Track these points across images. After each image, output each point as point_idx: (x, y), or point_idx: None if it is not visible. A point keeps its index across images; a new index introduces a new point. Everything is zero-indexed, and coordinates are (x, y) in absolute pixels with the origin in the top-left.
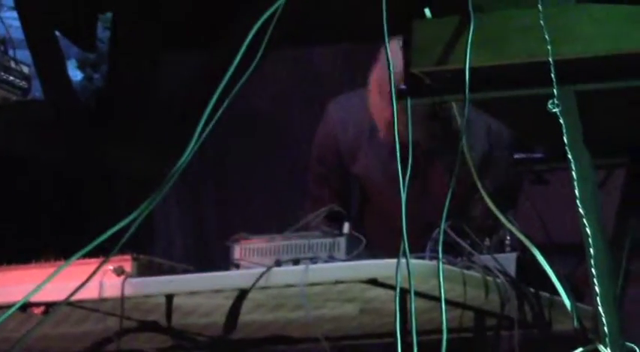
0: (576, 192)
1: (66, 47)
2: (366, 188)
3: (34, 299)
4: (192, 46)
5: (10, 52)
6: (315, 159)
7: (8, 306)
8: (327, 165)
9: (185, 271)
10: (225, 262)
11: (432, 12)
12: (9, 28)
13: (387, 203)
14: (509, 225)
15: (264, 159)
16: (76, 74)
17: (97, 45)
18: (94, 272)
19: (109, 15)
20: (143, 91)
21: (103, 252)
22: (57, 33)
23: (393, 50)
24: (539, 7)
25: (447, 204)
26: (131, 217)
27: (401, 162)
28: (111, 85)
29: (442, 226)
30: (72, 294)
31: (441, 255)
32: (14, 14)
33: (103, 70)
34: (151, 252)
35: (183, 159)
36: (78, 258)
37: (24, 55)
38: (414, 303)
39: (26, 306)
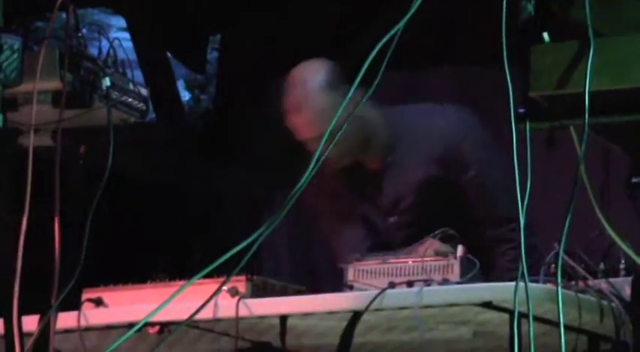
0: None
1: (174, 68)
2: None
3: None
4: None
5: (128, 73)
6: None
7: (124, 326)
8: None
9: (298, 292)
10: (334, 283)
11: (550, 36)
12: (119, 49)
13: None
14: (625, 248)
15: None
16: (183, 95)
17: (206, 66)
18: (215, 293)
19: (217, 36)
20: (250, 114)
21: (215, 272)
22: (167, 54)
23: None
24: None
25: (566, 226)
26: (251, 239)
27: None
28: (219, 107)
29: (561, 250)
30: (193, 315)
31: (560, 279)
32: (124, 35)
33: (210, 91)
34: (258, 272)
35: (301, 182)
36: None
37: (136, 75)
38: (532, 327)
39: (141, 326)
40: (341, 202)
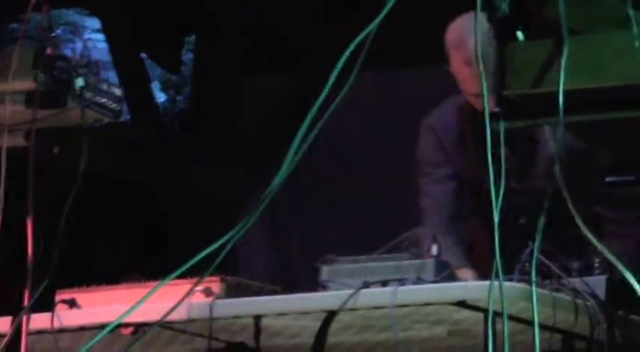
0: None
1: (149, 69)
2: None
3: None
4: (277, 69)
5: (102, 74)
6: (422, 163)
7: (98, 327)
8: (436, 164)
9: (272, 292)
10: (309, 283)
11: (525, 35)
12: (93, 50)
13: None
14: (600, 248)
15: (349, 181)
16: (159, 96)
17: (181, 67)
18: (188, 294)
19: (192, 38)
20: (227, 114)
21: (190, 273)
22: (142, 56)
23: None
24: (635, 29)
25: (540, 225)
26: (224, 239)
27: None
28: (194, 107)
29: (535, 248)
30: (165, 315)
31: (534, 278)
32: (99, 36)
33: (185, 92)
34: (235, 273)
35: (275, 182)
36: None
37: (110, 76)
38: (507, 326)
39: (115, 327)
40: (458, 156)
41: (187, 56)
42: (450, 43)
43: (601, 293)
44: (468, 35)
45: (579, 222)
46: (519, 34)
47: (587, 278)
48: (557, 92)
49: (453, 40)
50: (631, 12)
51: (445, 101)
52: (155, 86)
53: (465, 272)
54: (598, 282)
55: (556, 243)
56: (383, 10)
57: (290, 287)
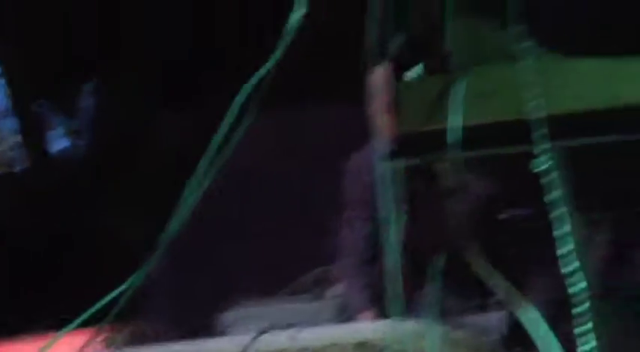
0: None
1: (51, 116)
2: None
3: None
4: (183, 107)
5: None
6: (343, 204)
7: None
8: (353, 207)
9: (175, 339)
10: (215, 328)
11: (420, 72)
12: None
13: None
14: (497, 283)
15: (257, 217)
16: (61, 142)
17: (81, 113)
18: (85, 347)
19: (92, 83)
20: (131, 156)
21: (95, 320)
22: (42, 102)
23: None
24: (527, 63)
25: (439, 263)
26: (125, 286)
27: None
28: (97, 152)
29: (434, 285)
30: None
31: (432, 316)
32: None
33: (87, 137)
34: (140, 320)
35: (172, 227)
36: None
37: (8, 124)
38: None
39: None
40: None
41: (88, 102)
42: (372, 89)
43: (501, 328)
44: (387, 82)
45: (471, 258)
46: (415, 72)
47: (487, 314)
48: (447, 129)
49: (373, 86)
50: (524, 45)
51: (368, 145)
52: (57, 132)
53: (367, 315)
54: (497, 318)
55: (459, 280)
56: (275, 52)
57: (194, 333)
